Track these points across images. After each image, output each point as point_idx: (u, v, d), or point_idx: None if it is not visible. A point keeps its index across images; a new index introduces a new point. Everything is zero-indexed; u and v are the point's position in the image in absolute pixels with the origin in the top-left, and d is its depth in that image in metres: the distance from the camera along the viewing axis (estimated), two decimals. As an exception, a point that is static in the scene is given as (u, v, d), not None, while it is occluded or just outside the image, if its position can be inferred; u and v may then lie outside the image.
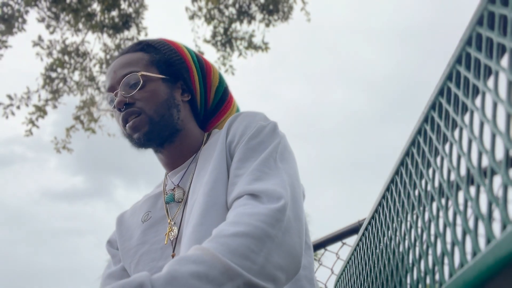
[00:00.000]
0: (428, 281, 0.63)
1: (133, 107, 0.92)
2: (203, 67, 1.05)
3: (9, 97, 4.61)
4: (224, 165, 0.85)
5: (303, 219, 0.78)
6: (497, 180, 0.47)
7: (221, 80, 1.07)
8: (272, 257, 0.65)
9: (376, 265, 0.93)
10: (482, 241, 0.47)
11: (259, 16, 5.26)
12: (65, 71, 5.01)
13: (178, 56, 1.02)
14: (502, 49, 0.53)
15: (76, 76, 5.16)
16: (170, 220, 0.89)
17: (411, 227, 0.74)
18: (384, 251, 0.89)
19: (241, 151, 0.84)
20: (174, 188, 0.94)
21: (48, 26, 4.93)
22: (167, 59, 1.00)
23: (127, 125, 0.93)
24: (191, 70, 1.02)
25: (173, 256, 0.84)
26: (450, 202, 0.60)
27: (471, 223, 0.51)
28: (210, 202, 0.80)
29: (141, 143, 0.93)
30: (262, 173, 0.78)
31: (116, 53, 5.21)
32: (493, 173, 0.49)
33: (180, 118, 0.97)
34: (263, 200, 0.72)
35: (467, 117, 0.59)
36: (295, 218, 0.74)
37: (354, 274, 1.14)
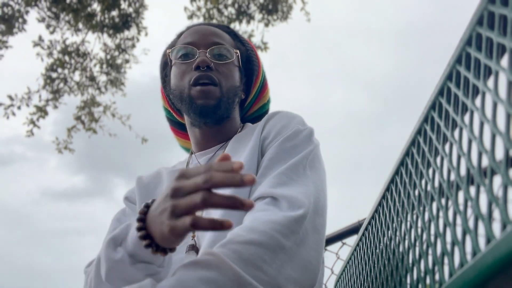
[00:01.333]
0: (428, 281, 0.63)
1: (212, 74, 0.92)
2: (264, 81, 1.10)
3: (10, 97, 4.61)
4: (255, 161, 0.85)
5: (323, 232, 0.77)
6: (497, 180, 0.47)
7: (269, 101, 1.13)
8: (284, 269, 0.64)
9: (376, 265, 0.93)
10: (482, 241, 0.47)
11: (258, 16, 5.26)
12: (66, 71, 5.01)
13: (256, 60, 1.07)
14: (502, 49, 0.53)
15: (76, 76, 5.16)
16: None
17: (411, 227, 0.74)
18: (384, 251, 0.89)
19: (273, 151, 0.84)
20: None
21: (48, 26, 4.93)
22: (248, 55, 1.05)
23: (198, 87, 0.91)
24: (259, 76, 1.07)
25: (193, 237, 0.84)
26: (450, 202, 0.60)
27: (471, 223, 0.51)
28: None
29: (205, 111, 0.92)
30: (289, 178, 0.77)
31: (116, 53, 5.22)
32: (493, 173, 0.49)
33: (235, 107, 1.00)
34: (283, 206, 0.70)
35: (467, 117, 0.59)
36: (313, 230, 0.72)
37: (354, 274, 1.14)
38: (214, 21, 5.27)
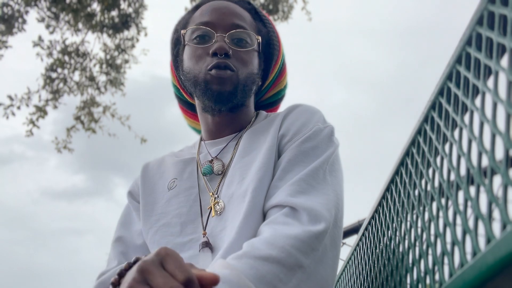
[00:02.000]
0: (428, 281, 0.63)
1: (230, 62, 0.86)
2: (283, 66, 1.03)
3: (10, 97, 4.61)
4: (272, 162, 0.81)
5: (339, 244, 0.75)
6: (497, 180, 0.47)
7: (285, 87, 1.06)
8: (292, 281, 0.62)
9: (376, 265, 0.93)
10: (482, 241, 0.47)
11: (259, 16, 5.25)
12: (65, 71, 5.01)
13: (277, 43, 0.99)
14: (502, 49, 0.53)
15: (76, 76, 5.16)
16: (213, 194, 0.84)
17: (411, 227, 0.74)
18: (384, 251, 0.89)
19: (292, 152, 0.80)
20: (212, 160, 0.89)
21: (48, 26, 4.93)
22: (269, 38, 0.97)
23: (214, 70, 0.85)
24: (278, 61, 1.00)
25: (204, 235, 0.79)
26: (450, 202, 0.60)
27: (471, 223, 0.51)
28: (252, 205, 0.76)
29: (221, 97, 0.86)
30: (308, 185, 0.74)
31: (116, 53, 5.22)
32: (493, 173, 0.49)
33: (251, 95, 0.94)
34: (303, 219, 0.68)
35: (467, 117, 0.59)
36: (332, 246, 0.70)
37: (354, 274, 1.14)
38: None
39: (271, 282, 0.60)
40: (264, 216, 0.77)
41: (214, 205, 0.82)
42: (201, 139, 0.99)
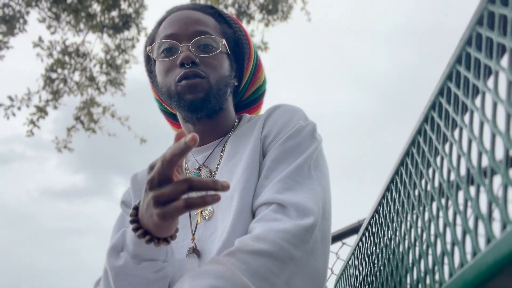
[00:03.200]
0: (428, 281, 0.63)
1: (199, 69, 0.87)
2: (257, 62, 1.03)
3: (10, 98, 4.61)
4: (256, 163, 0.82)
5: (329, 236, 0.76)
6: (497, 180, 0.47)
7: (265, 82, 1.06)
8: (293, 280, 0.64)
9: (376, 265, 0.93)
10: (482, 241, 0.47)
11: (258, 16, 5.26)
12: (66, 71, 5.01)
13: (246, 40, 0.99)
14: (502, 49, 0.53)
15: (76, 76, 5.16)
16: None
17: (411, 227, 0.74)
18: (384, 251, 0.89)
19: (276, 151, 0.81)
20: (200, 167, 0.90)
21: (48, 27, 4.93)
22: (237, 38, 0.97)
23: (184, 81, 0.86)
24: (250, 59, 1.00)
25: (192, 240, 0.81)
26: (450, 202, 0.60)
27: (471, 223, 0.51)
28: (241, 205, 0.77)
29: (194, 106, 0.87)
30: (294, 181, 0.75)
31: (116, 53, 5.22)
32: (493, 173, 0.49)
33: (227, 98, 0.94)
34: (291, 214, 0.69)
35: (467, 117, 0.59)
36: (322, 238, 0.71)
37: (354, 274, 1.14)
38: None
39: (264, 275, 0.61)
40: (253, 215, 0.78)
41: (201, 211, 0.84)
42: None
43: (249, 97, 1.06)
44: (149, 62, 1.00)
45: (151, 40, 0.97)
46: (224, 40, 0.92)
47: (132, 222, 0.65)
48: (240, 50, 0.97)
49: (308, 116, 0.92)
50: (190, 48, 0.88)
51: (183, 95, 0.87)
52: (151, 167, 0.61)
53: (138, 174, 1.01)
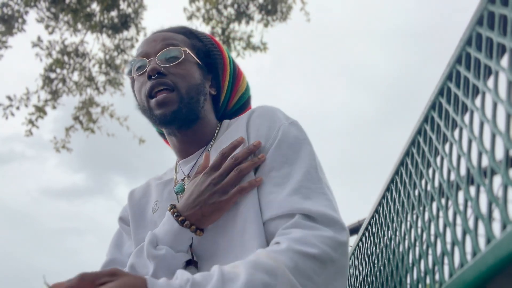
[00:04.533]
0: (428, 281, 0.63)
1: (166, 79, 0.90)
2: (235, 71, 1.06)
3: (9, 98, 4.61)
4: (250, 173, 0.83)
5: None
6: (497, 180, 0.47)
7: (247, 89, 1.09)
8: (330, 279, 0.70)
9: (376, 265, 0.93)
10: (482, 241, 0.47)
11: (257, 16, 5.25)
12: (64, 71, 5.00)
13: (218, 51, 1.02)
14: (502, 49, 0.53)
15: (75, 76, 5.16)
16: None
17: (411, 227, 0.74)
18: (384, 251, 0.89)
19: (273, 158, 0.82)
20: (184, 178, 0.93)
21: (47, 27, 4.92)
22: (207, 50, 1.01)
23: (154, 98, 0.89)
24: (226, 68, 1.03)
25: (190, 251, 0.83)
26: (450, 202, 0.60)
27: (471, 223, 0.51)
28: (240, 213, 0.80)
29: (164, 120, 0.89)
30: (309, 189, 0.78)
31: (115, 53, 5.22)
32: (493, 173, 0.49)
33: (204, 106, 0.96)
34: (321, 222, 0.74)
35: (467, 117, 0.60)
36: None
37: (354, 274, 1.14)
38: (213, 22, 5.27)
39: (308, 275, 0.67)
40: (260, 223, 0.79)
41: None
42: (177, 162, 1.02)
43: (234, 105, 1.08)
44: (133, 85, 1.04)
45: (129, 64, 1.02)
46: (187, 49, 0.95)
47: (173, 212, 0.79)
48: (212, 60, 1.01)
49: (287, 114, 0.93)
50: (156, 61, 0.91)
51: (154, 110, 0.90)
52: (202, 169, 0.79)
53: (135, 191, 1.03)
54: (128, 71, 0.98)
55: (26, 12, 4.78)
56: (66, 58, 5.01)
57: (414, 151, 0.78)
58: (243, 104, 1.08)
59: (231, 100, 1.06)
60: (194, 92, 0.92)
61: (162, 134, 1.10)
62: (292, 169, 0.80)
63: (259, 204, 0.80)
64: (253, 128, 0.89)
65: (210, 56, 1.01)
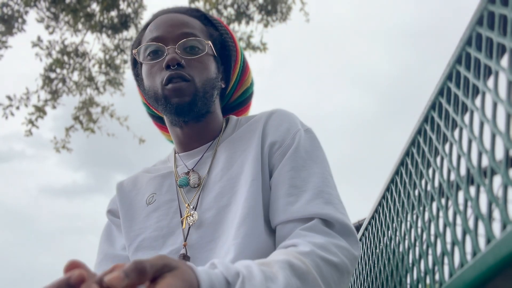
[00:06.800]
0: (428, 281, 0.63)
1: (184, 72, 0.87)
2: (244, 64, 1.03)
3: (9, 98, 4.61)
4: (259, 172, 0.83)
5: None
6: (497, 180, 0.47)
7: (252, 84, 1.07)
8: (339, 285, 0.71)
9: (376, 265, 0.93)
10: (482, 241, 0.47)
11: (257, 16, 5.25)
12: (64, 71, 5.00)
13: (233, 43, 0.99)
14: (502, 49, 0.53)
15: (75, 76, 5.15)
16: (188, 205, 0.86)
17: (411, 227, 0.74)
18: (384, 251, 0.89)
19: (290, 161, 0.82)
20: (189, 172, 0.90)
21: (47, 27, 4.92)
22: (223, 40, 0.98)
23: (170, 85, 0.86)
24: (237, 61, 1.00)
25: (184, 246, 0.80)
26: (450, 202, 0.60)
27: (471, 223, 0.51)
28: (246, 214, 0.78)
29: (182, 110, 0.86)
30: (329, 195, 0.79)
31: (115, 53, 5.22)
32: (493, 173, 0.49)
33: (214, 100, 0.94)
34: (337, 231, 0.75)
35: (467, 117, 0.60)
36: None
37: (354, 274, 1.14)
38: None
39: (329, 282, 0.68)
40: (265, 224, 0.79)
41: (187, 216, 0.84)
42: (175, 152, 0.99)
43: (236, 99, 1.06)
44: (136, 65, 1.00)
45: (137, 43, 0.97)
46: (210, 42, 0.92)
47: None
48: (227, 53, 0.98)
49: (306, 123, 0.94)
50: (176, 50, 0.88)
51: (169, 98, 0.86)
52: None
53: (123, 182, 1.00)
54: (140, 53, 0.92)
55: (26, 12, 4.78)
56: (66, 58, 5.00)
57: (414, 151, 0.78)
58: (245, 99, 1.07)
59: (235, 92, 1.04)
60: (209, 86, 0.90)
61: (152, 115, 1.07)
62: (311, 174, 0.81)
63: (272, 204, 0.80)
64: (271, 127, 0.89)
65: (225, 48, 0.98)
